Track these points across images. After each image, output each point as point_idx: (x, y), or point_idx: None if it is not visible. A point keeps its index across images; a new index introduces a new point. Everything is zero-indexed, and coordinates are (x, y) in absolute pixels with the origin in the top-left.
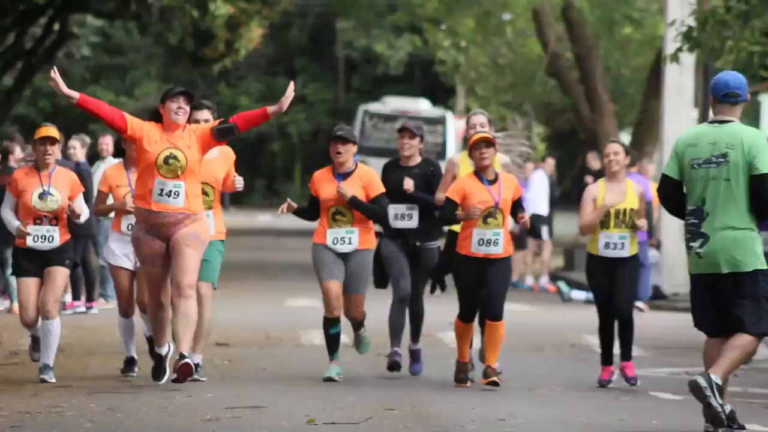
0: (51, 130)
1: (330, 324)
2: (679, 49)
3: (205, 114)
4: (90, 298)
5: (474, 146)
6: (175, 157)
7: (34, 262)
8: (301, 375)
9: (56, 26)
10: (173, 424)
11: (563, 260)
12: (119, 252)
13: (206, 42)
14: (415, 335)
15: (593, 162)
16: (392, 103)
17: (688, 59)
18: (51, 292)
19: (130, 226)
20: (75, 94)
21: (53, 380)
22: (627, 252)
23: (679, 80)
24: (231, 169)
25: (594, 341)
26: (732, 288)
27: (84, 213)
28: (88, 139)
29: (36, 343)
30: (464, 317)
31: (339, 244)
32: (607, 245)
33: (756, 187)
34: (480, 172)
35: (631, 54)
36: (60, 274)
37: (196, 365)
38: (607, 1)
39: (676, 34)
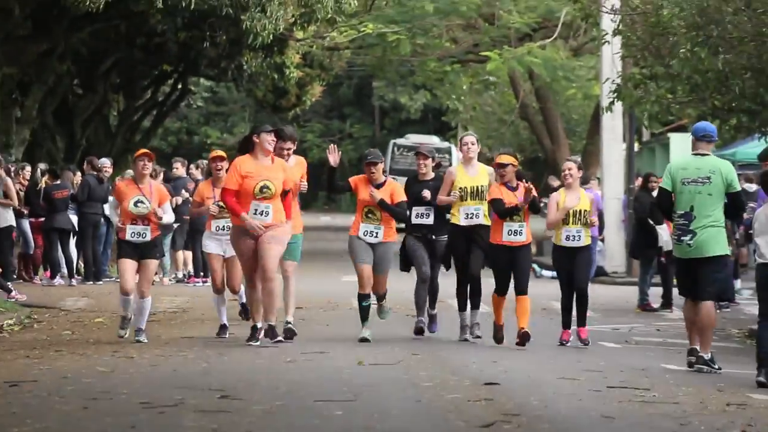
0: (147, 151)
1: (362, 298)
2: (612, 102)
3: (288, 144)
4: (206, 275)
5: (496, 167)
6: (268, 188)
7: (131, 250)
8: (353, 330)
9: (179, 85)
10: (264, 365)
11: (535, 248)
12: (212, 244)
13: (282, 96)
14: (432, 303)
15: (552, 182)
16: (413, 138)
17: (618, 108)
18: (145, 279)
19: (217, 228)
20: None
21: (145, 340)
22: (583, 242)
23: (612, 123)
24: (303, 175)
25: (558, 306)
26: (708, 266)
27: (167, 216)
28: (203, 164)
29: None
30: (500, 292)
31: (368, 236)
32: (568, 237)
33: (732, 200)
34: (507, 183)
35: (576, 105)
36: (152, 265)
37: (288, 322)
38: (555, 68)
39: (608, 90)
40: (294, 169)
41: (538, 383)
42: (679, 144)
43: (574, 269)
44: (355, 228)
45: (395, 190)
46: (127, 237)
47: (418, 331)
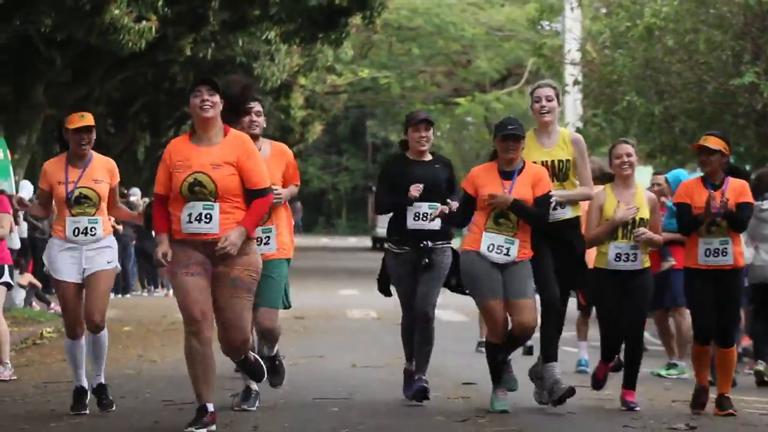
0: None
1: (494, 351)
2: None
3: (257, 105)
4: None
5: (698, 150)
6: (200, 183)
7: None
8: (348, 337)
9: None
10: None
11: None
12: (64, 265)
13: (287, 133)
14: (424, 361)
15: None
16: None
17: None
18: None
19: (76, 231)
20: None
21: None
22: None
23: None
24: (290, 171)
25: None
26: None
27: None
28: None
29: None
30: (700, 337)
31: (495, 252)
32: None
33: None
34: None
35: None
36: None
37: (273, 356)
38: (518, 113)
39: None
40: (270, 163)
41: None
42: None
43: (626, 303)
44: (474, 240)
45: (540, 179)
46: None
47: (420, 394)
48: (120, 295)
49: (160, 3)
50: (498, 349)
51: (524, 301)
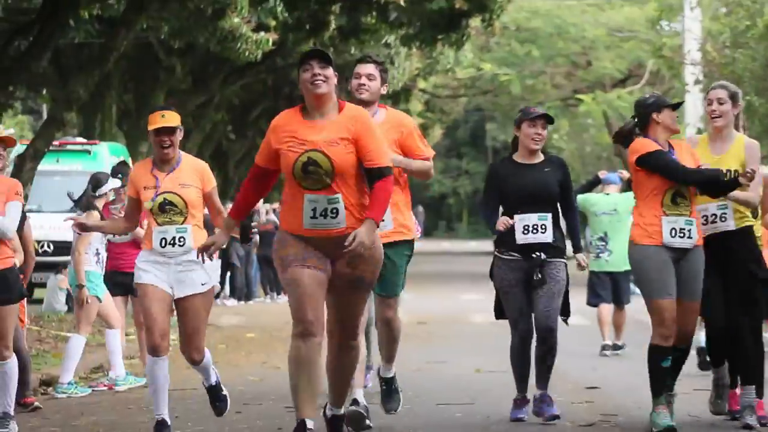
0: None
1: (661, 353)
2: None
3: (369, 68)
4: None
5: None
6: (315, 162)
7: None
8: (471, 341)
9: None
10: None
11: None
12: (150, 272)
13: None
14: (544, 379)
15: None
16: None
17: None
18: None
19: (163, 242)
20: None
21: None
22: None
23: None
24: (410, 142)
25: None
26: (621, 279)
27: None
28: None
29: None
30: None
31: (678, 237)
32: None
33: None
34: None
35: None
36: (9, 313)
37: (390, 379)
38: None
39: (692, 134)
40: (386, 129)
41: (634, 387)
42: None
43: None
44: (650, 233)
45: (689, 153)
46: None
47: (552, 418)
48: (243, 302)
49: (279, 9)
50: (665, 351)
51: (694, 304)
